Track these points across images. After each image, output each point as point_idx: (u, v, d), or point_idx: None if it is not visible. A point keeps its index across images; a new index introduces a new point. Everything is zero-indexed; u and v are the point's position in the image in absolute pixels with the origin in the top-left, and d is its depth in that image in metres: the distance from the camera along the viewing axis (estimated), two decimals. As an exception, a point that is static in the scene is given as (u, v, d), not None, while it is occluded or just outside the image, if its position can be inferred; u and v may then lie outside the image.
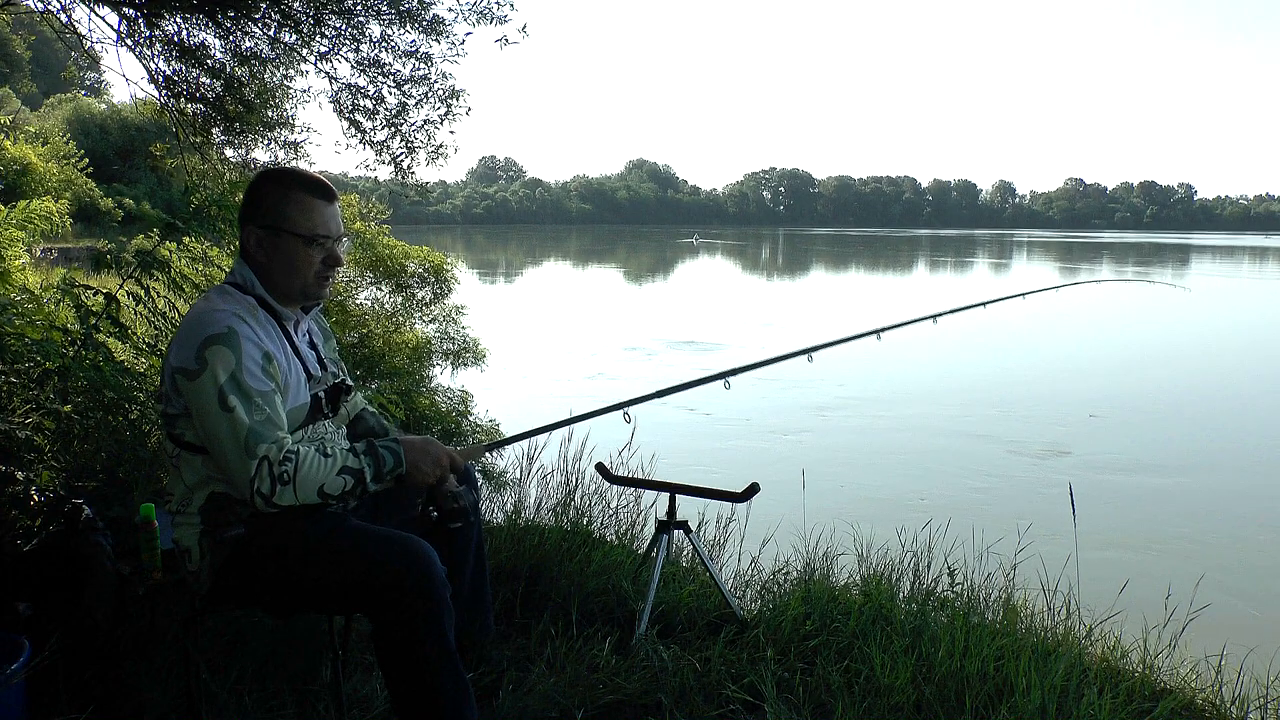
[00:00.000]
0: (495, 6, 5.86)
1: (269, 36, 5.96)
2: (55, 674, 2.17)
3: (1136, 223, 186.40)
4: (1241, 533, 8.23)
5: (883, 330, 3.03)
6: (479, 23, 5.94)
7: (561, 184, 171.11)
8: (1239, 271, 55.05)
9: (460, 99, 6.45)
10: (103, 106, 35.68)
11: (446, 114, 6.49)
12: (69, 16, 5.83)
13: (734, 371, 2.70)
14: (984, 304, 3.40)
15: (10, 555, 2.42)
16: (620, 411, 2.49)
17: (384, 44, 6.09)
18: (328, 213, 2.10)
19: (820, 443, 11.08)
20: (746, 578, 3.50)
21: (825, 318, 25.82)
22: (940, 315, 3.24)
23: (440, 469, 2.10)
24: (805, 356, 2.86)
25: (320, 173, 2.29)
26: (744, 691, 2.55)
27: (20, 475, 2.76)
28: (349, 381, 2.32)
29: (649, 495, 3.68)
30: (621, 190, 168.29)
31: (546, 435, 4.18)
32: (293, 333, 2.13)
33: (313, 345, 2.22)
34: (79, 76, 28.71)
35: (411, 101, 6.39)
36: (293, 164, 6.87)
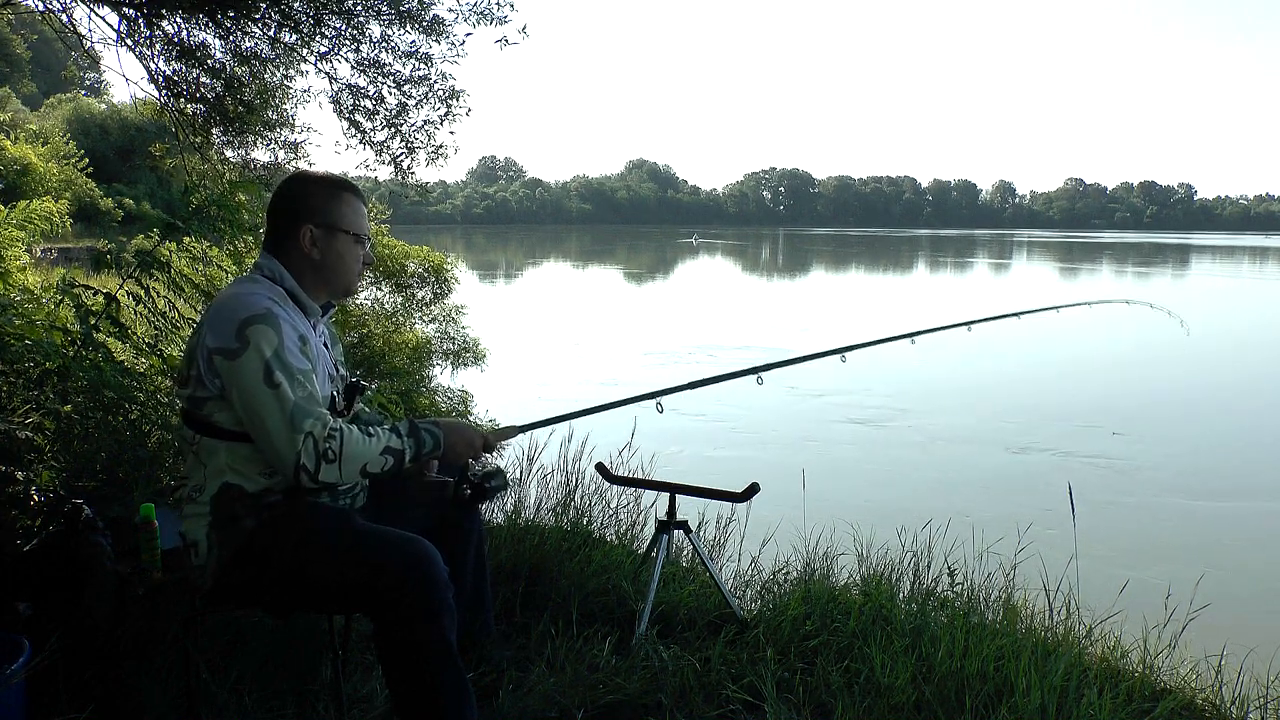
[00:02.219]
0: (495, 7, 5.87)
1: (269, 36, 5.96)
2: (55, 674, 2.16)
3: (1136, 223, 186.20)
4: (1241, 533, 8.24)
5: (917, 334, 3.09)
6: (479, 23, 5.94)
7: (561, 184, 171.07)
8: (1239, 272, 55.04)
9: (460, 99, 6.45)
10: (103, 106, 35.67)
11: (446, 114, 6.49)
12: (69, 16, 5.84)
13: (767, 367, 2.81)
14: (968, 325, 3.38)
15: (10, 555, 2.42)
16: (654, 402, 2.62)
17: (384, 44, 6.10)
18: (365, 213, 2.23)
19: (821, 443, 11.09)
20: (746, 578, 3.50)
21: (838, 318, 25.84)
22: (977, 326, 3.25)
23: (474, 450, 2.21)
24: (839, 357, 2.95)
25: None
26: (744, 691, 2.55)
27: (20, 475, 2.76)
28: (363, 381, 2.34)
29: (649, 495, 3.67)
30: (621, 190, 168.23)
31: (548, 434, 4.19)
32: (313, 331, 2.16)
33: (326, 347, 2.24)
34: (79, 76, 28.66)
35: (411, 102, 6.39)
36: (294, 164, 6.88)
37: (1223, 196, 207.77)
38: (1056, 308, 3.60)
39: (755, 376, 2.76)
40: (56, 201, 18.00)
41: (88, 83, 37.52)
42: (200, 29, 5.85)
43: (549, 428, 4.30)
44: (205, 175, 6.84)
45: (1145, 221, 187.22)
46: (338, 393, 2.18)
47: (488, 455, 2.28)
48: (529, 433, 3.92)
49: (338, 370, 2.24)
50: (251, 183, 4.92)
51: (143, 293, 3.78)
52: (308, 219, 2.12)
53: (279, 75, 6.44)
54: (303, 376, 1.95)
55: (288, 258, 2.13)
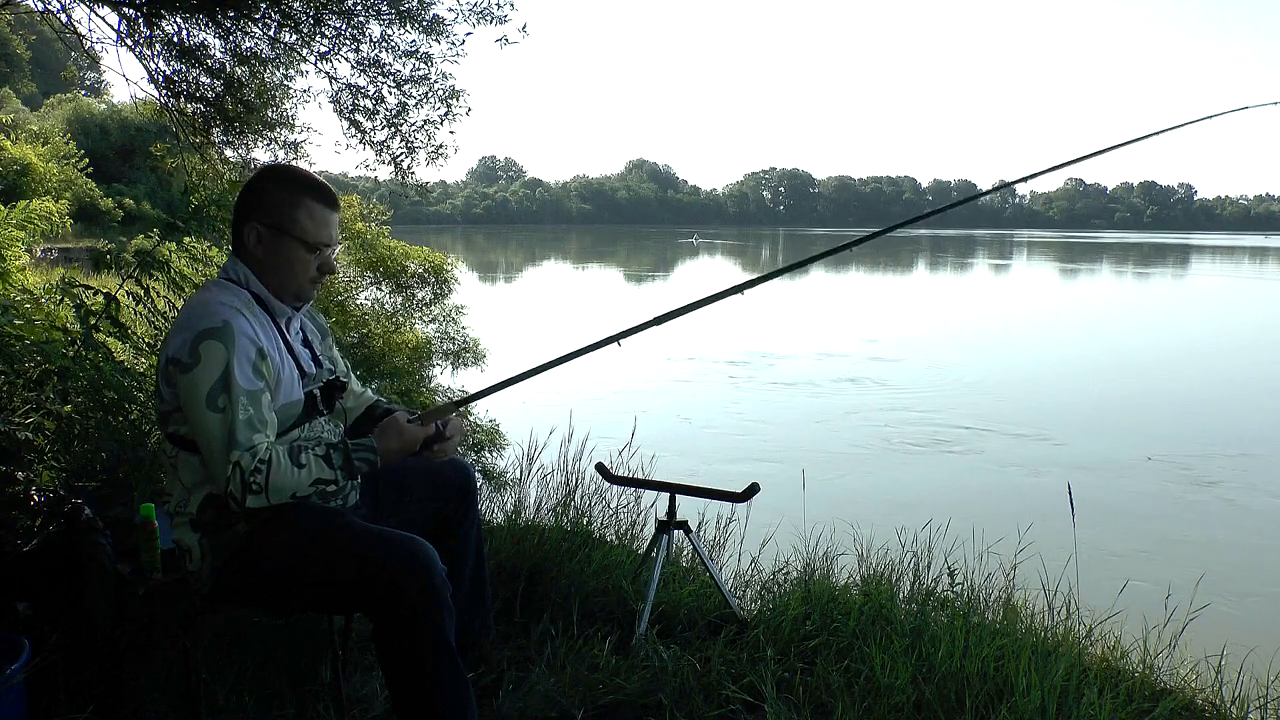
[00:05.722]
0: (495, 6, 5.84)
1: (269, 36, 5.96)
2: (55, 674, 2.16)
3: (1136, 223, 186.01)
4: (1242, 532, 8.24)
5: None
6: (479, 23, 5.92)
7: (561, 184, 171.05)
8: (1239, 271, 55.08)
9: (460, 99, 6.44)
10: (103, 106, 35.64)
11: (446, 114, 6.48)
12: (69, 16, 5.83)
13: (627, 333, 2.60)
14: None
15: (10, 555, 2.42)
16: (615, 343, 2.55)
17: (384, 44, 6.09)
18: (332, 221, 2.12)
19: (821, 443, 11.09)
20: (746, 578, 3.50)
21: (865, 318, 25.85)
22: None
23: (412, 449, 2.17)
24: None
25: (320, 173, 2.29)
26: (744, 691, 2.54)
27: (20, 475, 2.76)
28: (344, 378, 2.30)
29: (649, 495, 3.67)
30: (621, 190, 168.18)
31: (547, 433, 4.20)
32: (285, 330, 2.12)
33: (306, 343, 2.20)
34: (79, 76, 28.75)
35: (411, 101, 6.38)
36: (294, 163, 6.86)
37: (1223, 196, 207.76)
38: (1193, 121, 2.90)
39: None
40: (56, 201, 18.02)
41: (88, 83, 37.55)
42: (200, 29, 5.85)
43: (549, 428, 4.30)
44: (205, 175, 6.83)
45: (1145, 221, 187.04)
46: (317, 391, 2.14)
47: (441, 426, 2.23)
48: (529, 432, 3.90)
49: (319, 365, 2.19)
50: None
51: (143, 293, 3.78)
52: (254, 216, 2.05)
53: (279, 75, 6.44)
54: (248, 399, 1.91)
55: (246, 258, 2.08)
